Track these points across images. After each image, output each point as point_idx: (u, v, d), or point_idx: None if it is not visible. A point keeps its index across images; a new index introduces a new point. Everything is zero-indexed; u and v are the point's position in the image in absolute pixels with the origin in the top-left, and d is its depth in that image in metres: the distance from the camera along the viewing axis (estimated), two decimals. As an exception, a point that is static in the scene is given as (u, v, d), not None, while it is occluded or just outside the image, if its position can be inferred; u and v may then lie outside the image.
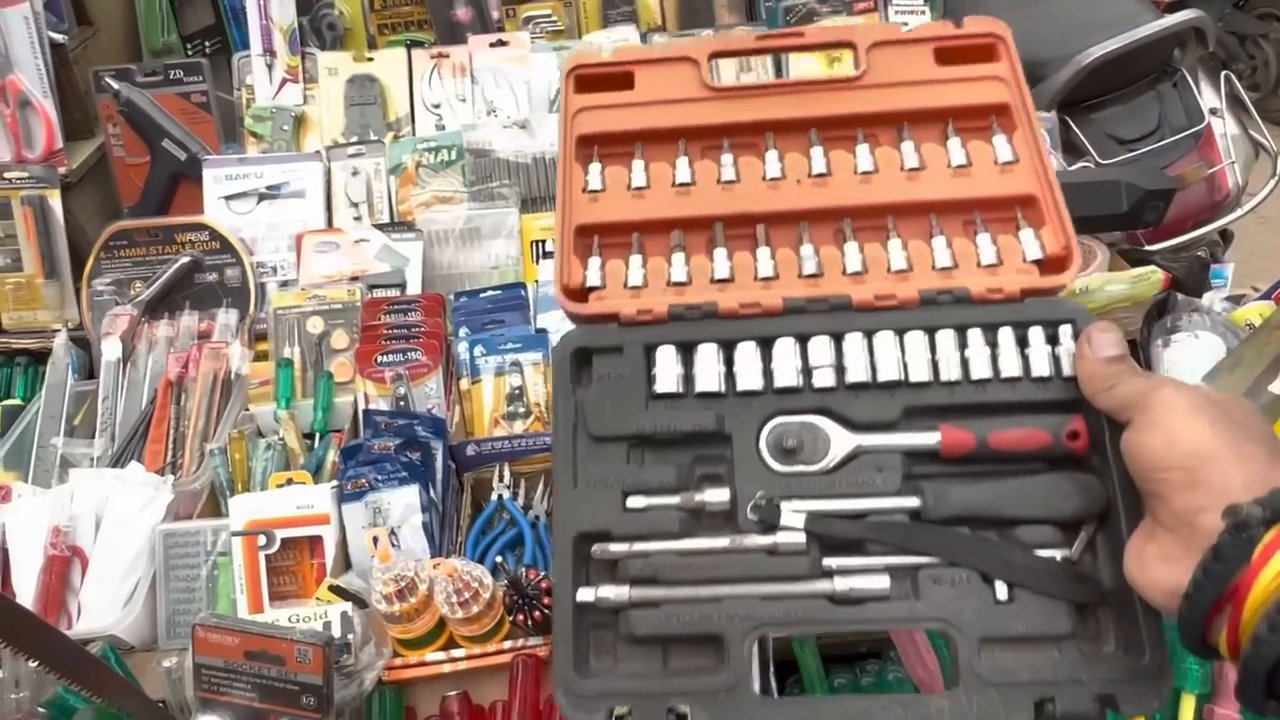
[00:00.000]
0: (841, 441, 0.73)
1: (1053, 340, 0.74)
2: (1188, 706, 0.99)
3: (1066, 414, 0.72)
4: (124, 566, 1.28)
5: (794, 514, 0.71)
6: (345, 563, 1.28)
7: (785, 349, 0.75)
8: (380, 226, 1.76)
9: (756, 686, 0.68)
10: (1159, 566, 0.60)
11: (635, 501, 0.73)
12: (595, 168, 0.84)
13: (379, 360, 1.48)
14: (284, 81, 1.97)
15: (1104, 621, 0.69)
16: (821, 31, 0.86)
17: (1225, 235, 1.96)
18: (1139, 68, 1.91)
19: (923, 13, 2.00)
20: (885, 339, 0.75)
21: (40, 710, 0.98)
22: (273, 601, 1.23)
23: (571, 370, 0.77)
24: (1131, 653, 0.66)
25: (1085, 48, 1.83)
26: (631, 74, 0.86)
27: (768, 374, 0.75)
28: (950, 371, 0.74)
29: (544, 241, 1.76)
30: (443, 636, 1.15)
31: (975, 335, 0.75)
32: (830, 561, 0.70)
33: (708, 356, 0.76)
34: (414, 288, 1.69)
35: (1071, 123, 1.88)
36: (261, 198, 1.83)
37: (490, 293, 1.63)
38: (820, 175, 0.82)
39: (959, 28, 0.85)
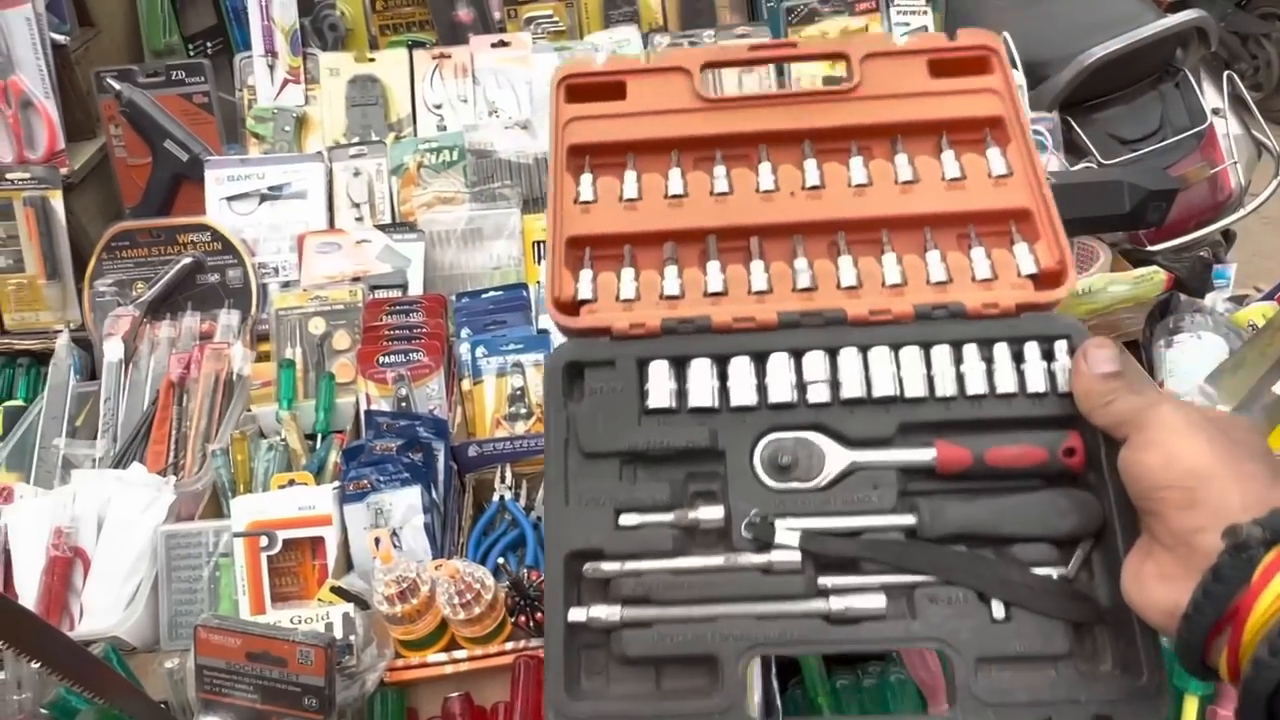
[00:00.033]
0: (836, 458, 0.73)
1: (1048, 356, 0.73)
2: (1190, 708, 0.99)
3: (1063, 430, 0.71)
4: (126, 567, 1.28)
5: (789, 532, 0.70)
6: (347, 564, 1.28)
7: (779, 364, 0.75)
8: (382, 227, 1.76)
9: (756, 703, 0.68)
10: (1157, 586, 0.60)
11: (628, 519, 0.72)
12: (587, 178, 0.84)
13: (381, 361, 1.49)
14: (285, 82, 1.97)
15: (1101, 641, 0.68)
16: (814, 43, 0.86)
17: (1228, 235, 1.95)
18: (1141, 68, 1.90)
19: (924, 12, 1.98)
20: (880, 354, 0.75)
21: (42, 711, 0.99)
22: (274, 603, 1.23)
23: (563, 384, 0.76)
24: (1129, 672, 0.66)
25: (1087, 48, 1.81)
26: (623, 84, 0.86)
27: (762, 389, 0.75)
28: (946, 387, 0.73)
29: (545, 242, 1.76)
30: (444, 638, 1.15)
31: (971, 350, 0.74)
32: (826, 580, 0.70)
33: (701, 371, 0.75)
34: (416, 288, 1.69)
35: (1074, 123, 1.87)
36: (263, 198, 1.83)
37: (492, 293, 1.63)
38: (814, 187, 0.82)
39: (952, 40, 0.84)
